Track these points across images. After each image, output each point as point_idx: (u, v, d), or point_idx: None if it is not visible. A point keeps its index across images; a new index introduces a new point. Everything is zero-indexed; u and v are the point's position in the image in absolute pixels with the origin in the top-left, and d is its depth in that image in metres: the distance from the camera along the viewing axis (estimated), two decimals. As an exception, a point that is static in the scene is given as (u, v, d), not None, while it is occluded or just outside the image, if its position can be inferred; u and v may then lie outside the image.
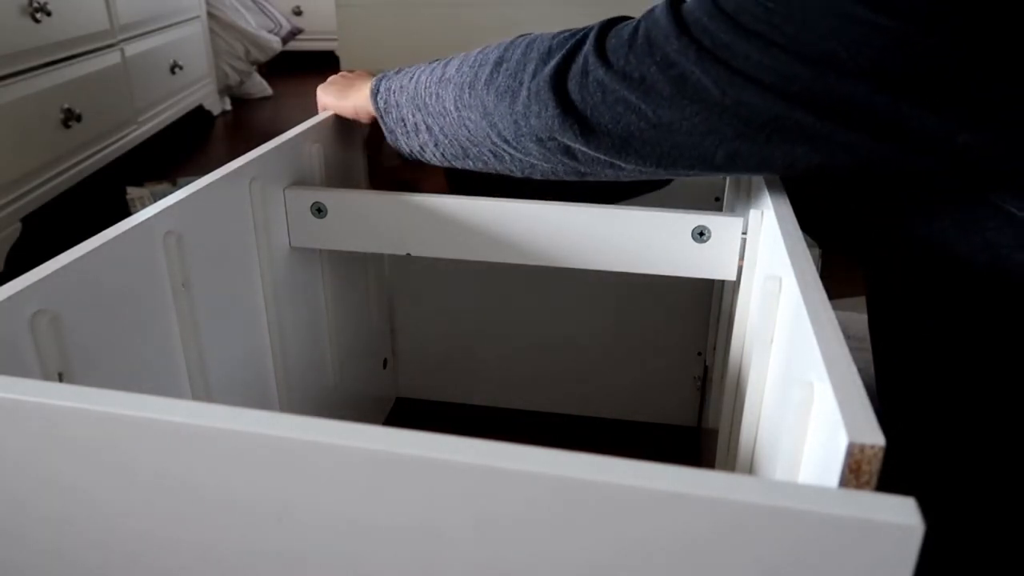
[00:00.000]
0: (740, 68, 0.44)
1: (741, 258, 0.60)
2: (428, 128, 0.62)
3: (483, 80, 0.56)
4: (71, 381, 0.43)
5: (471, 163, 0.61)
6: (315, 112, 0.76)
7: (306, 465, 0.29)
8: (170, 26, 2.05)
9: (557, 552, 0.28)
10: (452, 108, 0.59)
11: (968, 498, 0.49)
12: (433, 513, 0.29)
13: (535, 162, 0.56)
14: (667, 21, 0.46)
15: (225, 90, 2.50)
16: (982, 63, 0.41)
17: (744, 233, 0.59)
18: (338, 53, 2.07)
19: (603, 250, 0.62)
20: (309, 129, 0.69)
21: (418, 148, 0.65)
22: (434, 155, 0.64)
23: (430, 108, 0.61)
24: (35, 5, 1.38)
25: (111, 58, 1.69)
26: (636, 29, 0.48)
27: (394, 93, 0.65)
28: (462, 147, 0.60)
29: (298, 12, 3.10)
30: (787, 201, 0.53)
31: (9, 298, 0.39)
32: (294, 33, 2.72)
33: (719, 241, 0.60)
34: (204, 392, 0.56)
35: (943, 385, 0.50)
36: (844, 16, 0.41)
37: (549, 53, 0.52)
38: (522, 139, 0.54)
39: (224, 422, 0.29)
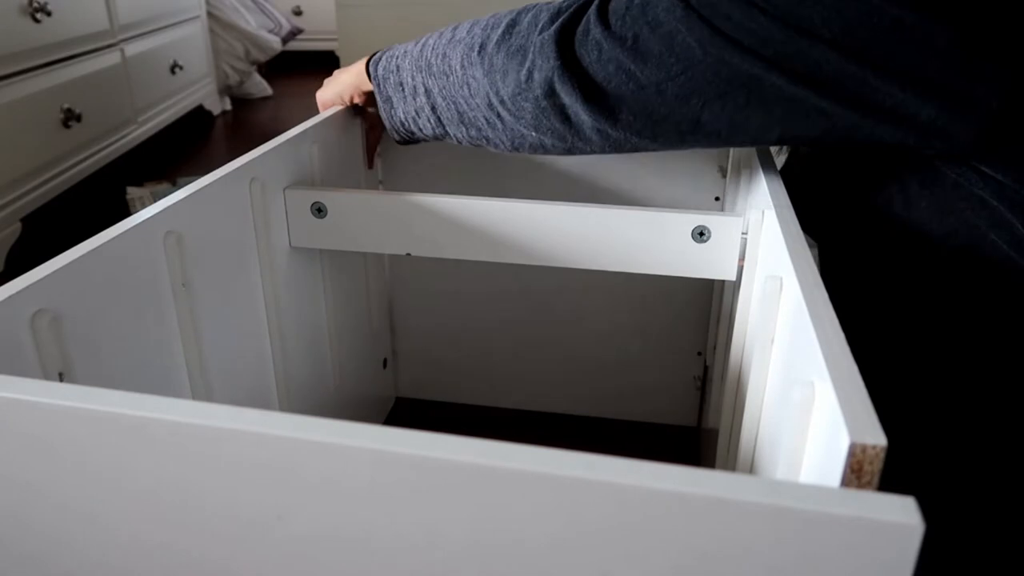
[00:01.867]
0: (721, 27, 0.46)
1: (741, 258, 0.60)
2: (427, 91, 0.64)
3: (495, 40, 0.57)
4: (71, 381, 0.43)
5: (464, 131, 0.62)
6: (315, 112, 0.76)
7: (306, 465, 0.29)
8: (170, 26, 2.05)
9: (557, 552, 0.28)
10: (458, 67, 0.60)
11: (968, 498, 0.49)
12: (433, 513, 0.29)
13: (525, 131, 0.57)
14: None
15: (225, 90, 2.50)
16: (948, 36, 0.43)
17: (744, 233, 0.59)
18: (338, 53, 2.07)
19: (603, 250, 0.62)
20: (309, 129, 0.69)
21: (414, 113, 0.66)
22: (428, 121, 0.65)
23: (434, 68, 0.62)
24: (35, 5, 1.38)
25: (111, 58, 1.69)
26: None
27: (396, 58, 0.67)
28: (458, 111, 0.61)
29: (298, 12, 3.10)
30: (787, 201, 0.53)
31: (9, 298, 0.39)
32: (294, 33, 2.72)
33: (719, 241, 0.60)
34: (204, 392, 0.56)
35: (932, 375, 0.51)
36: None
37: (558, 12, 0.54)
38: (519, 99, 0.55)
39: (224, 422, 0.29)
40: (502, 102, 0.57)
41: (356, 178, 0.80)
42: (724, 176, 0.81)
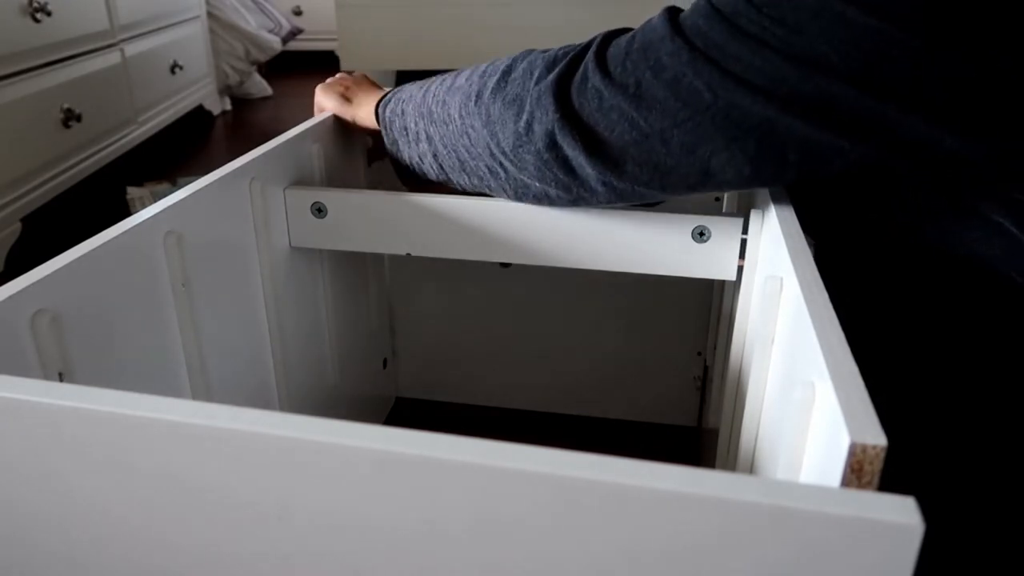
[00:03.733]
0: (731, 69, 0.44)
1: (741, 258, 0.60)
2: (428, 138, 0.63)
3: (490, 89, 0.56)
4: (71, 381, 0.43)
5: (466, 179, 0.61)
6: (315, 112, 0.76)
7: (306, 465, 0.29)
8: (170, 26, 2.05)
9: (557, 552, 0.28)
10: (456, 116, 0.59)
11: (968, 498, 0.49)
12: (433, 513, 0.29)
13: (528, 181, 0.56)
14: (663, 26, 0.47)
15: (225, 90, 2.50)
16: (971, 68, 0.41)
17: (744, 233, 0.59)
18: (338, 53, 2.07)
19: (603, 250, 0.62)
20: (309, 129, 0.69)
21: (418, 158, 0.65)
22: (432, 167, 0.64)
23: (434, 116, 0.61)
24: (35, 5, 1.38)
25: (111, 58, 1.69)
26: (634, 37, 0.49)
27: (402, 102, 0.66)
28: (459, 159, 0.60)
29: (298, 12, 3.10)
30: (787, 201, 0.53)
31: (9, 298, 0.39)
32: (294, 33, 2.72)
33: (719, 241, 0.60)
34: (204, 392, 0.56)
35: (944, 382, 0.51)
36: (835, 18, 0.41)
37: (554, 61, 0.52)
38: (520, 151, 0.54)
39: (224, 422, 0.29)
40: (503, 152, 0.55)
41: (356, 178, 0.80)
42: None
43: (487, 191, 0.61)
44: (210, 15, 2.36)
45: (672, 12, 0.47)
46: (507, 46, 1.91)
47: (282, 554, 0.31)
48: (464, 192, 0.64)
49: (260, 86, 2.71)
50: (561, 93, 0.50)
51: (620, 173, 0.50)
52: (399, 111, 0.66)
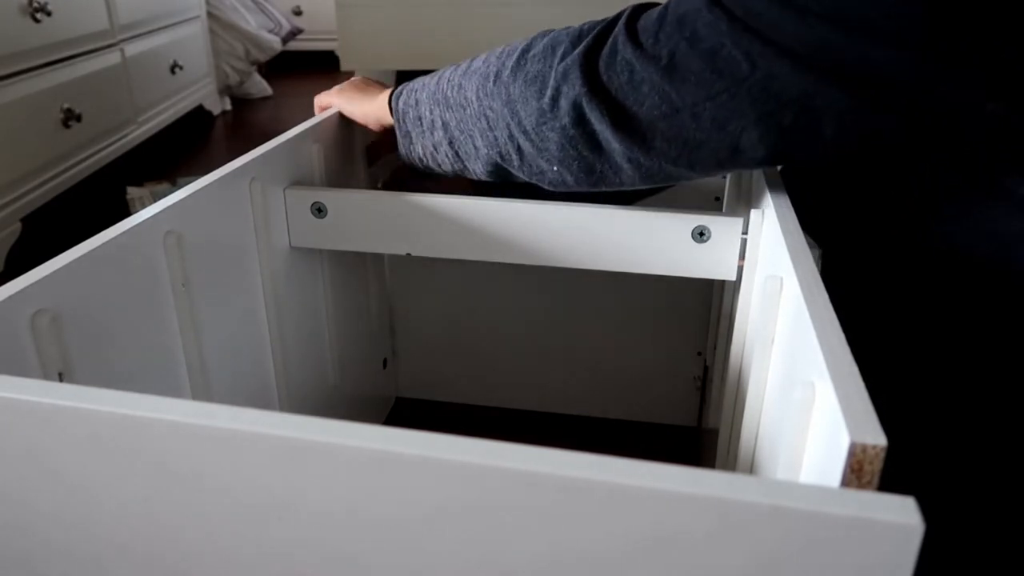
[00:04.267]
0: (773, 39, 0.42)
1: (741, 258, 0.60)
2: (444, 124, 0.62)
3: (510, 68, 0.55)
4: (71, 381, 0.43)
5: (480, 166, 0.61)
6: (315, 112, 0.76)
7: (306, 465, 0.29)
8: (170, 26, 2.05)
9: (557, 552, 0.28)
10: (474, 98, 0.58)
11: (968, 498, 0.49)
12: (433, 513, 0.29)
13: (546, 165, 0.55)
14: None
15: (225, 90, 2.50)
16: (1012, 32, 0.40)
17: (744, 233, 0.59)
18: (338, 53, 2.07)
19: (603, 250, 0.62)
20: (309, 129, 0.69)
21: (432, 148, 0.64)
22: (447, 156, 0.63)
23: (450, 100, 0.60)
24: (35, 5, 1.38)
25: (111, 58, 1.69)
26: (666, 8, 0.47)
27: (415, 92, 0.65)
28: (475, 145, 0.59)
29: (298, 12, 3.10)
30: (787, 201, 0.53)
31: (9, 298, 0.39)
32: (294, 33, 2.72)
33: (719, 241, 0.60)
34: (204, 392, 0.56)
35: (946, 382, 0.50)
36: None
37: (579, 36, 0.51)
38: (543, 128, 0.52)
39: (224, 422, 0.29)
40: (524, 132, 0.54)
41: (356, 178, 0.80)
42: (724, 176, 0.81)
43: (500, 178, 0.60)
44: (210, 15, 2.36)
45: None
46: (507, 46, 1.90)
47: (282, 554, 0.31)
48: (478, 184, 0.64)
49: (260, 86, 2.71)
50: (589, 67, 0.49)
51: (648, 149, 0.49)
52: (412, 101, 0.65)
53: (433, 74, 0.65)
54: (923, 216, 0.50)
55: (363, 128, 0.77)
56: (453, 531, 0.29)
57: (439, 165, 0.65)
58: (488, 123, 0.57)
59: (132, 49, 1.80)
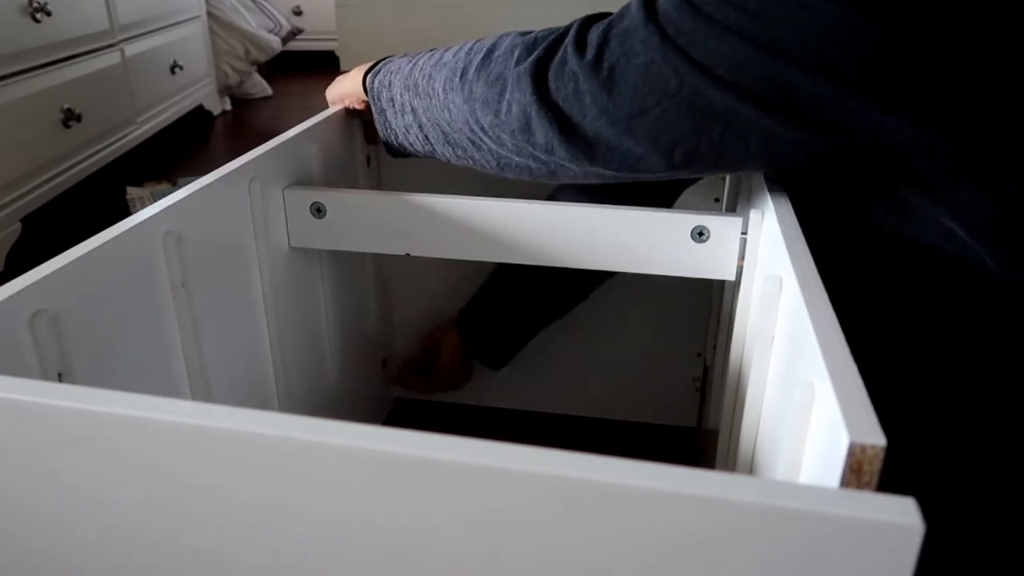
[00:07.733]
0: (697, 58, 0.44)
1: (741, 258, 0.60)
2: (413, 110, 0.63)
3: (475, 67, 0.56)
4: (71, 381, 0.43)
5: (451, 150, 0.62)
6: (315, 112, 0.76)
7: (306, 465, 0.29)
8: (170, 26, 2.05)
9: (557, 552, 0.28)
10: (440, 90, 0.60)
11: (968, 498, 0.49)
12: (432, 513, 0.29)
13: (508, 155, 0.56)
14: (638, 12, 0.47)
15: (225, 90, 2.50)
16: (923, 53, 0.41)
17: (744, 233, 0.59)
18: (338, 53, 2.07)
19: (603, 250, 0.62)
20: (309, 129, 0.69)
21: (403, 129, 0.66)
22: (417, 138, 0.65)
23: (420, 88, 0.62)
24: (35, 5, 1.38)
25: (111, 58, 1.69)
26: (611, 22, 0.49)
27: (391, 73, 0.66)
28: (442, 131, 0.61)
29: (298, 12, 3.10)
30: (787, 201, 0.53)
31: (9, 298, 0.39)
32: (294, 33, 2.72)
33: (719, 241, 0.60)
34: (204, 392, 0.56)
35: (932, 375, 0.51)
36: (796, 3, 0.42)
37: (534, 44, 0.53)
38: (496, 129, 0.55)
39: (224, 422, 0.29)
40: (482, 129, 0.56)
41: (356, 178, 0.80)
42: (724, 176, 0.81)
43: (470, 163, 0.62)
44: (210, 15, 2.36)
45: None
46: (507, 46, 1.90)
47: (281, 554, 0.31)
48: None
49: (260, 86, 2.71)
50: (539, 76, 0.51)
51: (592, 158, 0.51)
52: (387, 82, 0.67)
53: (411, 56, 0.66)
54: (861, 216, 0.51)
55: (361, 114, 0.77)
56: (452, 531, 0.29)
57: (411, 145, 0.67)
58: (450, 115, 0.59)
59: (132, 49, 1.80)
